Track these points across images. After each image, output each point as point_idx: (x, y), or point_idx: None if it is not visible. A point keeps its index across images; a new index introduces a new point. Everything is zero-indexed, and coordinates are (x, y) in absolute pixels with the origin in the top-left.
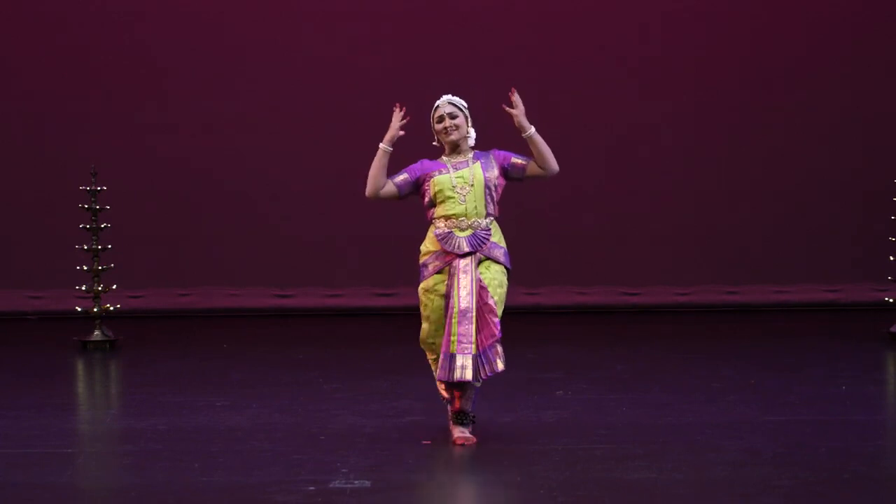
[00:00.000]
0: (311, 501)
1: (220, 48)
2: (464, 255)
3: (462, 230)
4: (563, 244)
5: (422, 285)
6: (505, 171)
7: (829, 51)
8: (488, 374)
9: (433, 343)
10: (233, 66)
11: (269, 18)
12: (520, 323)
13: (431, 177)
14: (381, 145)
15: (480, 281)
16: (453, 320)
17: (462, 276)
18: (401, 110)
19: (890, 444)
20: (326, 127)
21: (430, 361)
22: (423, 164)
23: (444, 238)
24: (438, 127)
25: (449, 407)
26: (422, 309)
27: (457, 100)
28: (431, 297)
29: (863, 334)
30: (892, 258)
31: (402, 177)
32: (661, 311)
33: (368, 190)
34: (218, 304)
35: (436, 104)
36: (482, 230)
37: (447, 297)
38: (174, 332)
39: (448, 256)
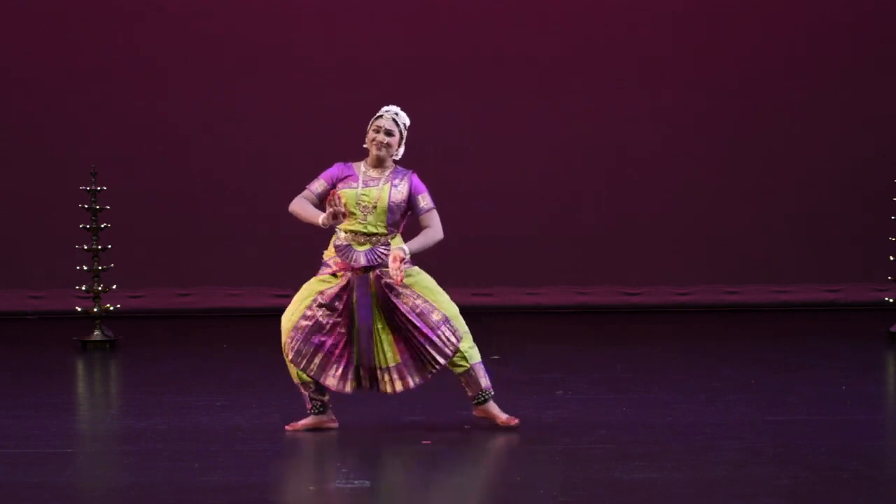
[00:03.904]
0: (311, 501)
1: (220, 48)
2: (362, 269)
3: (361, 245)
4: (563, 244)
5: (314, 277)
6: (409, 201)
7: (830, 50)
8: (399, 390)
9: (287, 328)
10: (233, 65)
11: (270, 18)
12: (520, 323)
13: (341, 188)
14: (319, 220)
15: (398, 295)
16: (353, 334)
17: (359, 292)
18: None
19: (890, 444)
20: (327, 127)
21: (284, 347)
22: (339, 170)
23: (342, 251)
24: (372, 135)
25: (310, 394)
26: (297, 293)
27: (402, 117)
28: (310, 286)
29: (863, 334)
30: (892, 258)
31: (322, 187)
32: (661, 311)
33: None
34: (218, 304)
35: (380, 112)
36: (381, 245)
37: (344, 309)
38: (174, 332)
39: (348, 266)
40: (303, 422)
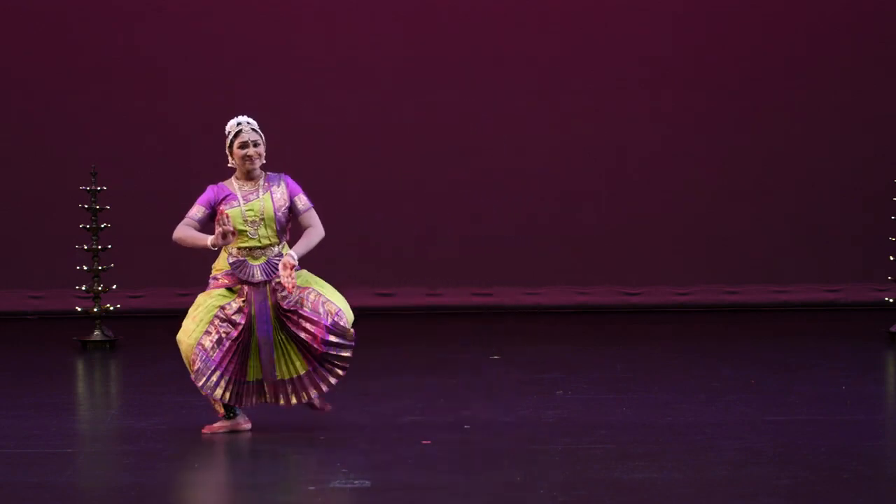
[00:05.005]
0: (311, 501)
1: (220, 48)
2: (259, 283)
3: (255, 259)
4: (563, 244)
5: (205, 292)
6: (290, 203)
7: (830, 50)
8: (312, 396)
9: (190, 344)
10: (233, 65)
11: (270, 18)
12: (520, 323)
13: (224, 208)
14: (208, 241)
15: (288, 299)
16: (251, 348)
17: (258, 305)
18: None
19: (890, 444)
20: (325, 126)
21: (187, 362)
22: (214, 193)
23: (237, 266)
24: (241, 153)
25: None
26: (192, 308)
27: (255, 124)
28: (209, 301)
29: (863, 334)
30: (892, 258)
31: (201, 212)
32: (661, 311)
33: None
34: None
35: (235, 128)
36: (275, 257)
37: (248, 326)
38: (174, 332)
39: (244, 281)
40: (217, 424)
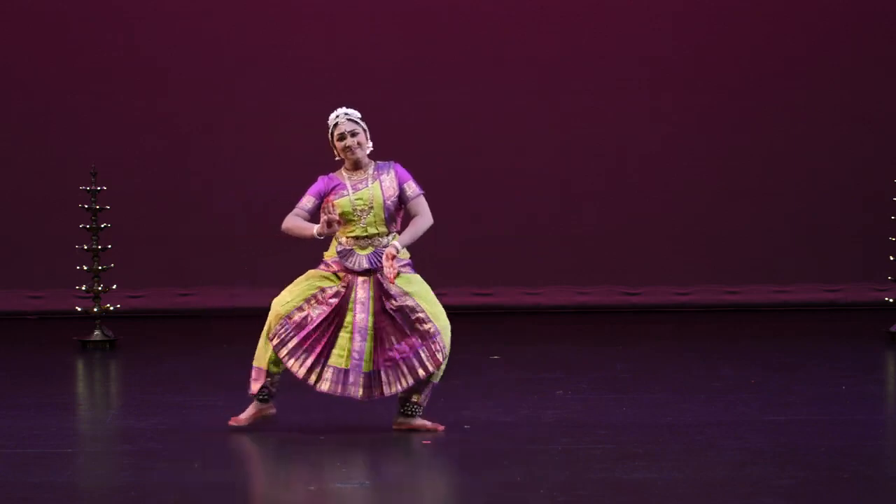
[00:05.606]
0: (311, 501)
1: (220, 48)
2: (363, 273)
3: (363, 248)
4: (563, 244)
5: (316, 270)
6: (399, 191)
7: (830, 51)
8: (377, 396)
9: (280, 314)
10: (233, 65)
11: (270, 18)
12: (520, 323)
13: (333, 198)
14: (314, 230)
15: (395, 299)
16: (344, 334)
17: (360, 292)
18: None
19: (890, 444)
20: (325, 126)
21: (268, 327)
22: (324, 184)
23: (344, 255)
24: (340, 145)
25: (266, 382)
26: (297, 280)
27: (353, 113)
28: (312, 280)
29: (863, 334)
30: (892, 258)
31: (311, 203)
32: (661, 311)
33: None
34: (218, 304)
35: (333, 121)
36: (383, 247)
37: (339, 308)
38: (174, 332)
39: (350, 269)
40: (245, 414)
